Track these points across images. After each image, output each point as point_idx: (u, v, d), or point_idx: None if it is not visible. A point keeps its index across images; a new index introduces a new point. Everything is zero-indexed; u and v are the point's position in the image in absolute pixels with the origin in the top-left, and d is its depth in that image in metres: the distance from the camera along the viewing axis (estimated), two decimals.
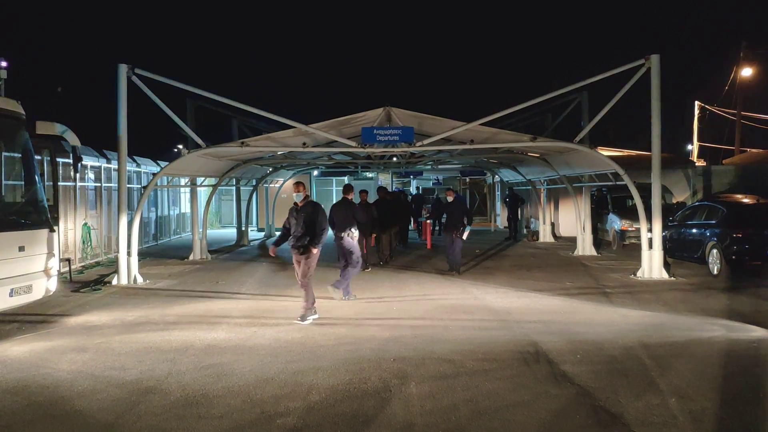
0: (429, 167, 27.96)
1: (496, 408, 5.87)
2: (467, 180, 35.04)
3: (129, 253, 13.58)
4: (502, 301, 11.14)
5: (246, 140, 15.40)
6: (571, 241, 19.46)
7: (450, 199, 14.80)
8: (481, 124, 14.29)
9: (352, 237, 11.54)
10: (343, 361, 7.33)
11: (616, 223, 19.20)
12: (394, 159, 22.63)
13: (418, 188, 31.68)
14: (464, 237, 14.21)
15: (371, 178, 31.67)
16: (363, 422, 5.56)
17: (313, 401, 6.05)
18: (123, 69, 13.40)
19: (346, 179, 31.23)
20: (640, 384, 6.47)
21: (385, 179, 31.44)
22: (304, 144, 15.74)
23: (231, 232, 25.28)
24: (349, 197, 12.25)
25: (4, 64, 9.90)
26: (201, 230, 18.58)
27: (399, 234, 18.83)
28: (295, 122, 13.99)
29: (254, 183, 24.63)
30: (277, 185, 27.92)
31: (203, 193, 22.43)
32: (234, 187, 24.43)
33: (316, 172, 29.53)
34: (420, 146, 14.78)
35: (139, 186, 20.40)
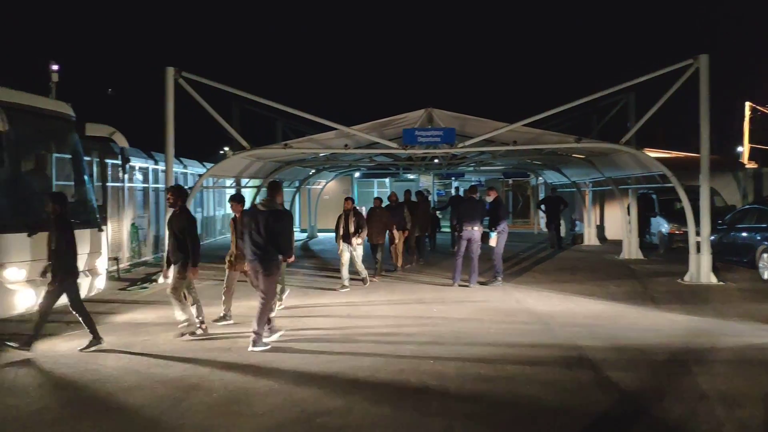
0: (471, 169, 27.78)
1: (537, 412, 5.80)
2: (510, 182, 34.70)
3: None
4: (545, 304, 11.00)
5: (288, 142, 15.54)
6: (617, 245, 19.12)
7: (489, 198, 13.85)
8: (525, 125, 14.14)
9: (480, 230, 12.87)
10: (383, 362, 7.33)
11: (663, 227, 18.79)
12: (436, 160, 22.53)
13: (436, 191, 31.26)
14: (492, 243, 13.24)
15: (413, 180, 31.60)
16: (402, 424, 5.55)
17: (353, 401, 6.07)
18: (170, 72, 13.66)
19: (387, 181, 31.23)
20: (687, 390, 6.31)
21: (427, 181, 31.30)
22: (346, 146, 15.80)
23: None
24: (475, 196, 13.44)
25: (55, 67, 10.19)
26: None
27: (418, 240, 17.04)
28: (337, 124, 14.06)
29: (297, 184, 24.85)
30: (320, 186, 28.11)
31: (248, 194, 22.72)
32: None
33: (357, 174, 29.61)
34: (461, 147, 14.70)
35: (186, 187, 20.75)
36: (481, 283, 13.08)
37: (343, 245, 12.76)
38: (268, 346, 8.02)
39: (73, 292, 8.00)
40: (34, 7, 44.33)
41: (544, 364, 7.30)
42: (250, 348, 7.90)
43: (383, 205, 14.82)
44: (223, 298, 9.71)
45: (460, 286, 12.83)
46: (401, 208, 15.27)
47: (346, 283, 12.63)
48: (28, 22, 43.12)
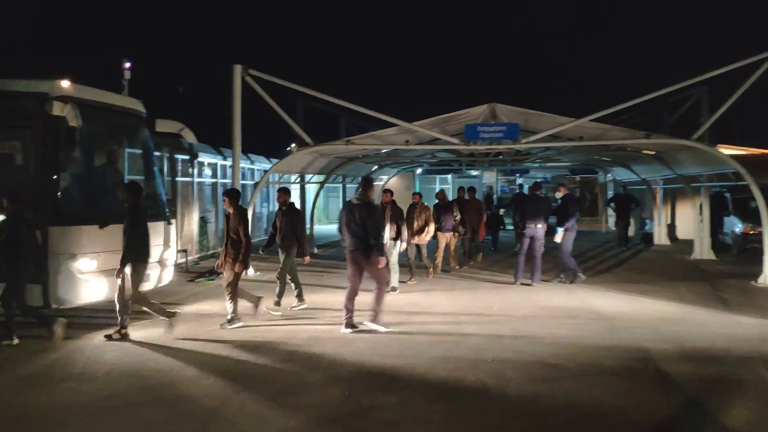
0: (536, 165, 27.37)
1: (598, 415, 5.68)
2: (577, 178, 33.99)
3: None
4: (610, 305, 10.73)
5: (351, 138, 15.67)
6: (689, 244, 18.47)
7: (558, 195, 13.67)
8: (592, 120, 13.83)
9: (544, 228, 12.54)
10: (440, 359, 7.30)
11: (737, 226, 18.03)
12: (500, 156, 22.28)
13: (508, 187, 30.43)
14: (556, 239, 12.89)
15: (475, 176, 31.37)
16: (458, 421, 5.53)
17: (408, 397, 6.08)
18: (237, 70, 13.96)
19: (449, 177, 31.08)
20: (756, 396, 6.06)
21: (490, 177, 31.02)
22: (407, 142, 15.82)
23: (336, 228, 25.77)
24: (539, 192, 13.32)
25: (127, 65, 10.56)
26: (309, 225, 19.18)
27: (471, 240, 16.02)
28: (399, 120, 14.08)
29: (359, 180, 25.01)
30: (381, 183, 28.22)
31: (311, 189, 23.03)
32: (340, 185, 24.94)
33: (419, 170, 29.57)
34: (525, 143, 14.49)
35: (253, 182, 21.21)
36: (561, 282, 12.87)
37: None
38: (386, 328, 8.63)
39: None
40: (109, 6, 46.06)
41: (606, 365, 7.12)
42: (371, 325, 8.62)
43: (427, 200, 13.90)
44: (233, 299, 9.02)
45: (522, 284, 12.64)
46: (450, 208, 13.96)
47: (395, 284, 11.82)
48: (103, 21, 44.84)
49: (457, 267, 14.80)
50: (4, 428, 5.47)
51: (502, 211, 21.57)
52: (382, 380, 6.57)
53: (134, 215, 8.25)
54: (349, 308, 8.76)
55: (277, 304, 9.96)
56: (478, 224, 16.09)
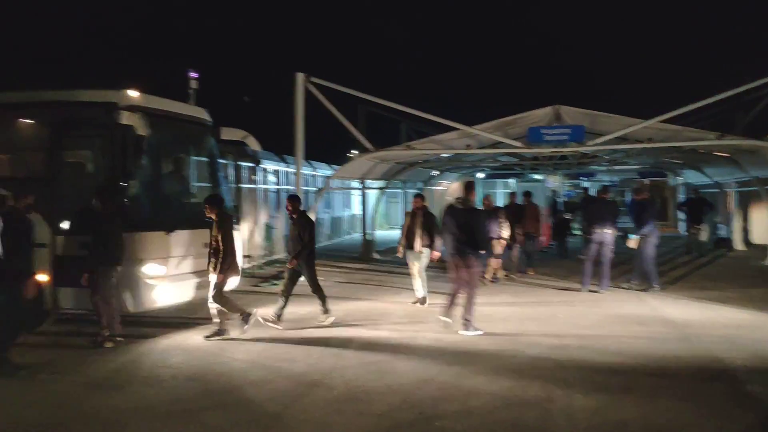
0: (603, 168, 26.70)
1: (669, 428, 5.46)
2: (646, 182, 32.94)
3: None
4: (682, 312, 10.33)
5: (411, 143, 15.62)
6: (764, 250, 17.64)
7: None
8: (662, 122, 13.39)
9: (612, 233, 12.25)
10: (503, 367, 7.16)
11: None
12: (565, 160, 21.81)
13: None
14: (630, 245, 12.51)
15: (539, 181, 30.80)
16: None
17: (471, 406, 5.97)
18: (300, 78, 14.09)
19: (512, 181, 30.61)
20: None
21: (554, 181, 30.36)
22: (468, 146, 15.66)
23: (398, 234, 25.78)
24: (606, 196, 13.12)
25: (194, 75, 10.80)
26: (370, 231, 19.21)
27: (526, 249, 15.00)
28: (459, 124, 13.95)
29: (420, 186, 24.91)
30: (442, 188, 28.05)
31: (372, 195, 23.10)
32: (401, 190, 24.91)
33: (481, 175, 29.24)
34: (591, 145, 14.14)
35: (315, 188, 21.43)
36: (630, 288, 12.51)
37: (407, 253, 11.10)
38: (480, 332, 8.74)
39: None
40: (177, 17, 47.61)
41: (678, 375, 6.85)
42: (461, 332, 8.76)
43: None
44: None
45: (589, 291, 12.30)
46: (495, 214, 12.91)
47: (420, 294, 11.09)
48: (171, 32, 46.34)
49: (489, 280, 13.38)
50: (73, 431, 5.61)
51: (567, 215, 20.80)
52: (444, 388, 6.47)
53: (104, 222, 8.07)
54: (452, 302, 9.08)
55: (325, 312, 9.59)
56: (536, 231, 15.14)
